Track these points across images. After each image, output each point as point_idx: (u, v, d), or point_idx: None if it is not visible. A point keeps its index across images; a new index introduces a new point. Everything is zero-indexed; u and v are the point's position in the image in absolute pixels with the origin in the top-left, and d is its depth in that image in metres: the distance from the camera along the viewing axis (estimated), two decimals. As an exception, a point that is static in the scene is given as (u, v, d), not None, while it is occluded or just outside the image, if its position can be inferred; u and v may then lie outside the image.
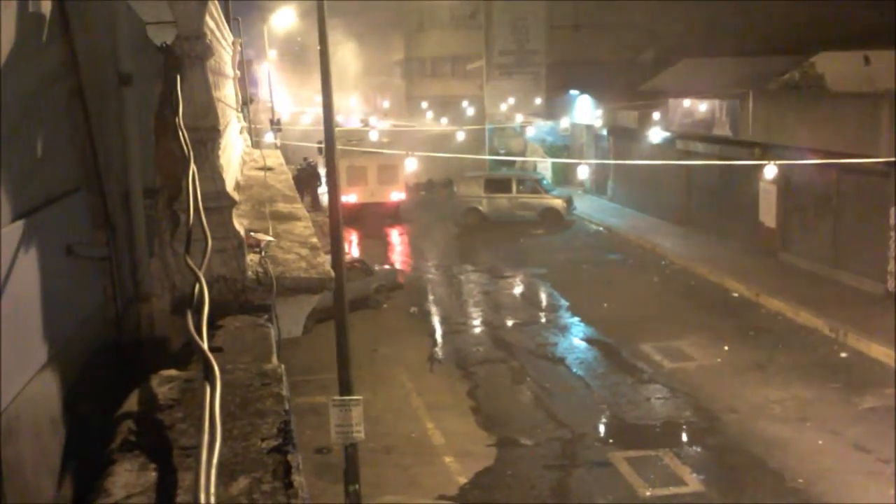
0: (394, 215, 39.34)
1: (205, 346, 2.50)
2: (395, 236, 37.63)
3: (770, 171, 20.78)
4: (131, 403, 3.48)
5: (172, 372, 3.78)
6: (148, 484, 2.71)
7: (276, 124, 31.52)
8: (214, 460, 2.00)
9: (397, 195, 39.54)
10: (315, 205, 36.57)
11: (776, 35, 32.88)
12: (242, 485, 2.65)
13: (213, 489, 1.92)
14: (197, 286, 2.94)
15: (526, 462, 15.52)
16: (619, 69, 43.91)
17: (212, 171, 5.02)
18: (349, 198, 35.14)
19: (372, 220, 37.34)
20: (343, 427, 12.17)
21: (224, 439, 2.19)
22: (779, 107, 27.97)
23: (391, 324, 23.90)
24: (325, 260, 6.25)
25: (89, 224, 4.59)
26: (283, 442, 2.93)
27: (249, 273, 5.23)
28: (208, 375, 2.31)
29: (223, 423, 2.23)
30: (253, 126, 19.06)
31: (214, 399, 2.21)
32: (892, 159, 19.64)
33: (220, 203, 5.05)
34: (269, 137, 25.32)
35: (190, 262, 3.10)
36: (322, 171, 35.27)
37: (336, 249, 12.62)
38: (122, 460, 2.88)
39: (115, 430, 3.21)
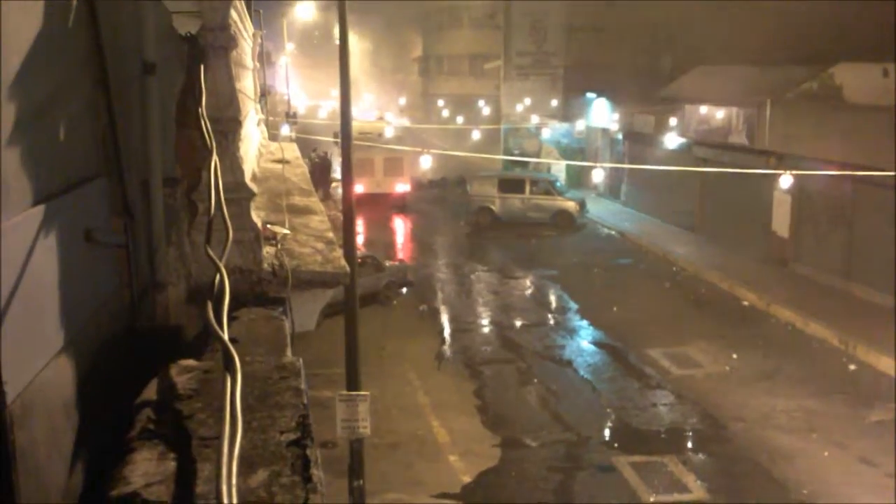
0: (400, 206, 40.28)
1: (226, 337, 2.50)
2: (399, 225, 38.52)
3: (785, 180, 20.72)
4: (150, 392, 3.48)
5: (191, 362, 3.78)
6: (167, 473, 2.71)
7: (291, 117, 31.55)
8: (236, 452, 2.00)
9: (402, 187, 40.79)
10: (326, 196, 36.79)
11: (795, 44, 32.72)
12: (262, 477, 2.65)
13: (234, 481, 1.92)
14: (217, 277, 2.94)
15: (530, 463, 15.51)
16: (636, 74, 43.79)
17: (231, 163, 5.03)
18: (356, 188, 35.28)
19: (378, 209, 38.00)
20: (349, 422, 12.17)
21: (244, 431, 2.20)
22: (796, 116, 27.87)
23: (400, 320, 23.91)
24: (341, 255, 6.26)
25: (108, 211, 4.61)
26: (302, 436, 2.92)
27: (265, 265, 5.24)
28: (229, 367, 2.31)
29: (243, 414, 2.23)
30: (270, 118, 19.08)
31: (235, 391, 2.21)
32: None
33: (238, 195, 5.07)
34: (284, 130, 25.36)
35: (211, 252, 3.11)
36: (336, 162, 35.69)
37: (349, 245, 12.62)
38: (142, 448, 2.89)
39: (133, 418, 3.21)
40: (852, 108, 27.19)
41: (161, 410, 3.22)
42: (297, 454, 2.82)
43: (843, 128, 25.00)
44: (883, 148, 22.31)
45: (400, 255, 32.54)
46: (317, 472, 2.70)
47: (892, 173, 20.02)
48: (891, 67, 27.66)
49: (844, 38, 30.02)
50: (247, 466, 2.72)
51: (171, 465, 2.78)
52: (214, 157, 3.95)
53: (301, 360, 3.96)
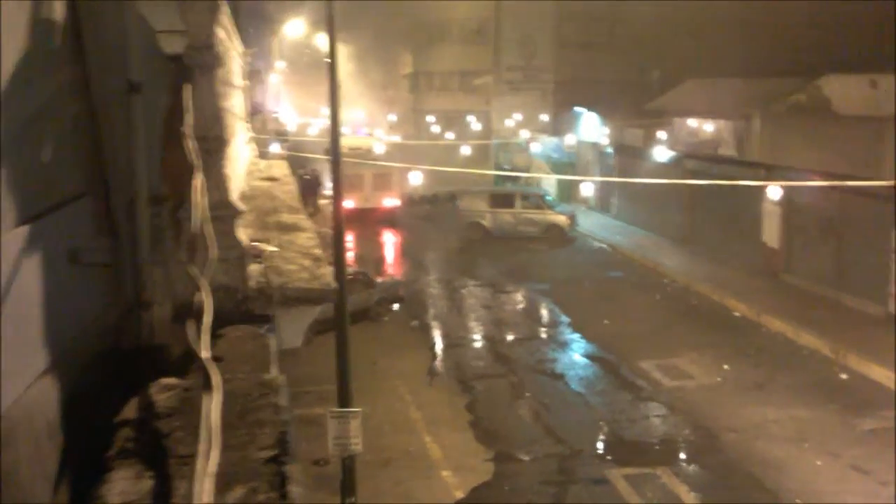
0: (389, 220, 40.43)
1: (205, 354, 2.51)
2: (390, 241, 38.79)
3: (774, 191, 20.84)
4: (130, 411, 3.48)
5: (172, 380, 3.78)
6: (143, 492, 2.71)
7: (282, 135, 31.59)
8: (211, 469, 2.00)
9: (391, 202, 41.04)
10: (315, 212, 36.85)
11: (783, 57, 32.94)
12: (238, 494, 2.66)
13: (206, 499, 1.92)
14: (198, 295, 2.95)
15: (523, 477, 15.48)
16: (625, 88, 44.05)
17: (217, 181, 5.04)
18: (346, 203, 35.39)
19: (368, 224, 38.27)
20: (341, 439, 12.13)
21: (222, 448, 2.20)
22: (784, 128, 28.04)
23: (391, 336, 23.87)
24: (328, 271, 6.26)
25: (93, 230, 4.60)
26: (281, 452, 2.93)
27: (251, 283, 5.24)
28: (207, 384, 2.32)
29: (221, 432, 2.23)
30: (260, 136, 19.10)
31: (213, 408, 2.21)
32: (896, 183, 19.66)
33: (224, 212, 5.07)
34: (274, 148, 25.40)
35: (192, 270, 3.12)
36: (325, 178, 35.90)
37: (338, 262, 12.63)
38: (119, 467, 2.89)
39: (112, 437, 3.21)
40: (840, 119, 27.36)
41: (140, 429, 3.22)
42: (275, 471, 2.83)
43: (831, 139, 25.16)
44: (871, 158, 22.46)
45: (391, 271, 32.53)
46: (294, 489, 2.71)
47: (879, 183, 20.14)
48: (878, 78, 27.86)
49: (832, 50, 30.22)
50: (224, 483, 2.71)
51: (148, 483, 2.79)
52: (200, 176, 3.96)
53: (283, 377, 3.96)
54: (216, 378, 2.33)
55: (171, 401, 3.48)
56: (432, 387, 20.16)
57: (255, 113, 18.66)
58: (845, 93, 28.63)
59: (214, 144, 5.01)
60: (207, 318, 2.71)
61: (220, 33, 6.22)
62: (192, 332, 2.71)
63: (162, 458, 2.96)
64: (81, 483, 3.50)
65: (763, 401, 18.59)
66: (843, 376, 20.08)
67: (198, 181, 3.93)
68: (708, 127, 31.71)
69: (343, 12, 13.60)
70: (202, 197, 3.96)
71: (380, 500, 14.46)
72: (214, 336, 4.77)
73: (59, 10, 4.34)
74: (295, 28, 61.57)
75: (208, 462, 2.00)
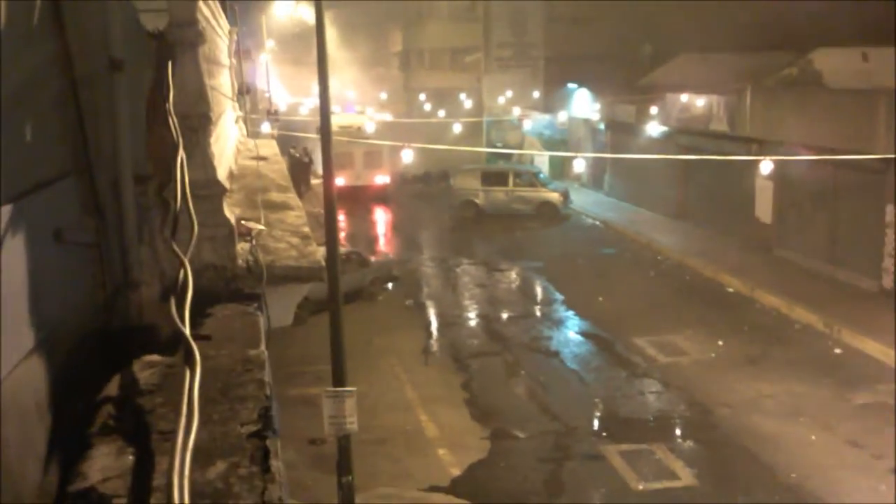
0: (381, 197, 41.31)
1: (186, 330, 2.49)
2: (383, 219, 39.39)
3: (766, 166, 20.78)
4: (112, 388, 3.46)
5: (155, 357, 3.76)
6: (125, 467, 2.70)
7: (273, 114, 31.42)
8: (190, 444, 1.98)
9: (382, 178, 42.07)
10: (307, 190, 36.87)
11: (774, 30, 32.84)
12: (220, 469, 2.64)
13: (187, 472, 1.90)
14: (182, 272, 2.92)
15: (519, 455, 15.53)
16: (617, 63, 43.88)
17: (203, 159, 4.99)
18: (337, 181, 35.42)
19: (359, 201, 38.90)
20: (336, 418, 12.14)
21: (203, 423, 2.18)
22: (776, 102, 27.97)
23: (386, 316, 23.89)
24: (317, 249, 6.24)
25: (79, 210, 4.57)
26: (263, 427, 2.92)
27: (240, 261, 5.21)
28: (188, 359, 2.30)
29: (203, 407, 2.21)
30: (250, 116, 19.00)
31: (194, 383, 2.19)
32: (889, 156, 19.64)
33: (210, 191, 5.03)
34: (265, 127, 25.29)
35: (175, 247, 3.09)
36: (317, 157, 35.93)
37: (331, 240, 12.60)
38: (100, 444, 2.87)
39: (95, 415, 3.19)
40: (832, 92, 27.31)
41: (122, 406, 3.21)
42: (257, 445, 2.81)
43: (823, 112, 25.10)
44: (863, 131, 22.43)
45: (384, 250, 32.52)
46: (276, 463, 2.70)
47: (872, 157, 20.13)
48: (870, 51, 27.79)
49: (824, 23, 30.13)
50: (205, 458, 2.72)
51: (130, 459, 2.77)
52: (181, 153, 3.92)
53: (266, 352, 3.94)
54: (196, 352, 2.30)
55: (153, 378, 3.47)
56: (428, 365, 20.20)
57: (245, 92, 18.55)
58: (837, 66, 28.56)
59: (199, 122, 4.96)
60: (188, 294, 2.69)
61: (204, 10, 6.15)
62: (175, 308, 2.69)
63: (144, 434, 2.95)
64: (72, 462, 3.49)
65: (757, 376, 18.65)
66: (837, 351, 20.15)
67: (180, 158, 3.89)
68: (700, 102, 31.60)
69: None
70: (185, 174, 3.91)
71: (376, 479, 14.52)
72: (204, 315, 4.74)
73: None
74: (284, 7, 61.25)
75: (188, 437, 1.98)
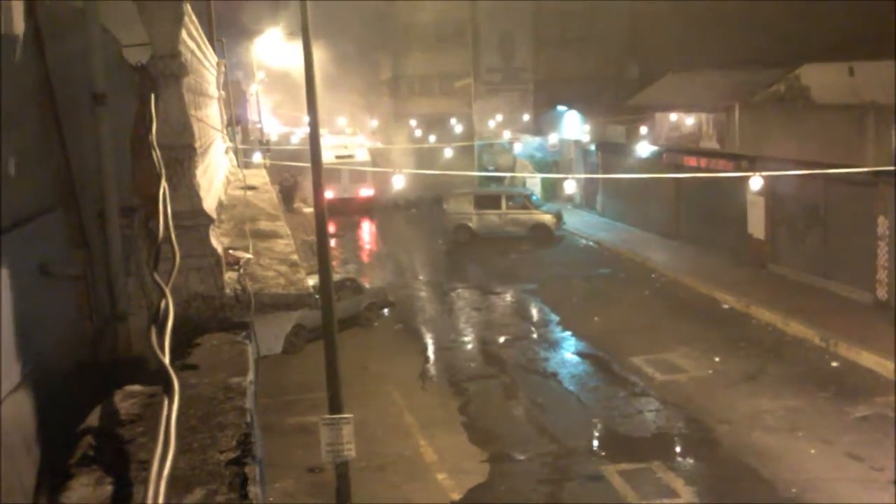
0: (366, 208, 45.07)
1: (165, 358, 2.49)
2: (371, 236, 42.22)
3: (756, 182, 20.81)
4: (93, 419, 3.46)
5: (136, 387, 3.76)
6: (103, 497, 2.69)
7: (264, 144, 31.53)
8: (166, 472, 1.98)
9: (366, 191, 45.97)
10: (291, 209, 40.67)
11: (761, 47, 32.99)
12: (197, 496, 2.64)
13: (161, 501, 1.90)
14: (164, 301, 2.93)
15: (519, 477, 15.47)
16: (606, 84, 44.11)
17: (188, 190, 5.01)
18: (326, 193, 36.37)
19: (346, 212, 41.97)
20: (334, 445, 12.13)
21: (182, 452, 2.18)
22: (765, 119, 28.09)
23: (382, 341, 23.85)
24: (304, 276, 6.24)
25: (65, 243, 4.58)
26: (242, 454, 2.92)
27: (228, 290, 5.21)
28: (167, 388, 2.30)
29: (183, 436, 2.21)
30: (240, 147, 19.04)
31: (171, 412, 2.20)
32: (878, 169, 19.72)
33: (196, 221, 5.04)
34: (257, 157, 25.37)
35: (157, 277, 3.10)
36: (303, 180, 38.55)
37: (324, 268, 12.63)
38: (80, 475, 2.87)
39: (75, 446, 3.19)
40: (820, 107, 27.42)
41: (102, 436, 3.20)
42: (236, 472, 2.81)
43: (811, 128, 25.22)
44: (852, 145, 22.53)
45: (379, 276, 32.49)
46: (254, 489, 2.70)
47: (861, 170, 20.21)
48: (856, 66, 27.93)
49: (810, 39, 30.29)
50: (183, 486, 2.71)
51: (109, 489, 2.77)
52: (164, 184, 3.94)
53: (249, 379, 3.94)
54: (174, 380, 2.31)
55: (134, 408, 3.47)
56: (425, 390, 20.14)
57: (236, 124, 18.62)
58: (824, 81, 28.66)
59: (183, 153, 4.98)
60: (169, 323, 2.69)
61: (188, 42, 6.19)
62: (154, 337, 2.69)
63: (123, 464, 2.95)
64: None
65: (755, 392, 18.63)
66: (834, 364, 20.13)
67: (162, 189, 3.91)
68: (689, 120, 31.73)
69: (318, 20, 13.60)
70: (167, 204, 3.93)
71: (375, 505, 14.44)
72: (192, 345, 4.74)
73: (19, 25, 4.31)
74: (272, 39, 61.49)
75: (163, 465, 1.98)
